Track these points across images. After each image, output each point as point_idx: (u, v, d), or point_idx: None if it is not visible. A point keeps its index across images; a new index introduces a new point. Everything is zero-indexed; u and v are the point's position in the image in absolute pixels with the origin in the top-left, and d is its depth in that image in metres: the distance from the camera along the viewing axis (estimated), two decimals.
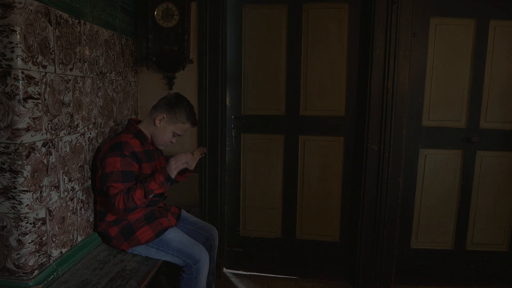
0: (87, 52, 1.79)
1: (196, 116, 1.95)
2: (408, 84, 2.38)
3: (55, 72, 1.53)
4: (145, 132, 1.89)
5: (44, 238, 1.50)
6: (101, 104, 1.95)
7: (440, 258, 2.60)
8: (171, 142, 1.94)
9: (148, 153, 1.90)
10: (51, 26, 1.49)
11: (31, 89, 1.37)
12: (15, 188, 1.36)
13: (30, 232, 1.41)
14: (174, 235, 1.87)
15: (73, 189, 1.70)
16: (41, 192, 1.46)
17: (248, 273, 2.74)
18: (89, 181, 1.85)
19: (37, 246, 1.46)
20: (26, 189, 1.38)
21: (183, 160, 1.76)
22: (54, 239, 1.57)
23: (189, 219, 2.14)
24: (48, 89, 1.48)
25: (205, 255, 1.84)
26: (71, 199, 1.70)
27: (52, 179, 1.53)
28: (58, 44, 1.55)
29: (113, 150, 1.74)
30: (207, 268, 1.85)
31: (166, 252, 1.82)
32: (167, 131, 1.88)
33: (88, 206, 1.86)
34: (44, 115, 1.46)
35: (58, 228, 1.60)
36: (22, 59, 1.32)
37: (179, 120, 1.87)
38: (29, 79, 1.36)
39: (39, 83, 1.42)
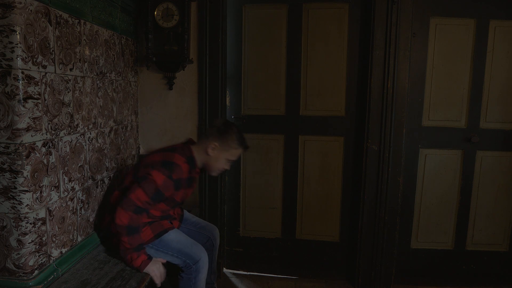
0: (87, 52, 1.79)
1: (246, 140, 1.92)
2: (408, 84, 2.38)
3: (55, 72, 1.53)
4: (197, 160, 1.87)
5: (44, 238, 1.50)
6: (101, 104, 1.95)
7: (440, 258, 2.60)
8: (224, 168, 1.92)
9: (190, 180, 1.90)
10: (51, 26, 1.49)
11: (31, 89, 1.37)
12: (15, 188, 1.36)
13: (30, 232, 1.41)
14: (174, 236, 1.86)
15: (73, 189, 1.70)
16: (41, 192, 1.46)
17: (248, 273, 2.74)
18: (89, 181, 1.85)
19: (37, 246, 1.46)
20: (26, 189, 1.38)
21: (157, 276, 1.72)
22: (54, 239, 1.57)
23: (191, 219, 2.15)
24: (48, 89, 1.48)
25: (205, 255, 1.84)
26: (71, 199, 1.70)
27: (52, 179, 1.53)
28: (58, 44, 1.54)
29: (165, 167, 1.73)
30: (207, 268, 1.85)
31: (166, 252, 1.82)
32: (221, 158, 1.87)
33: (88, 206, 1.86)
34: (44, 115, 1.46)
35: (58, 228, 1.60)
36: (22, 59, 1.32)
37: (231, 147, 1.86)
38: (29, 79, 1.36)
39: (39, 83, 1.42)
